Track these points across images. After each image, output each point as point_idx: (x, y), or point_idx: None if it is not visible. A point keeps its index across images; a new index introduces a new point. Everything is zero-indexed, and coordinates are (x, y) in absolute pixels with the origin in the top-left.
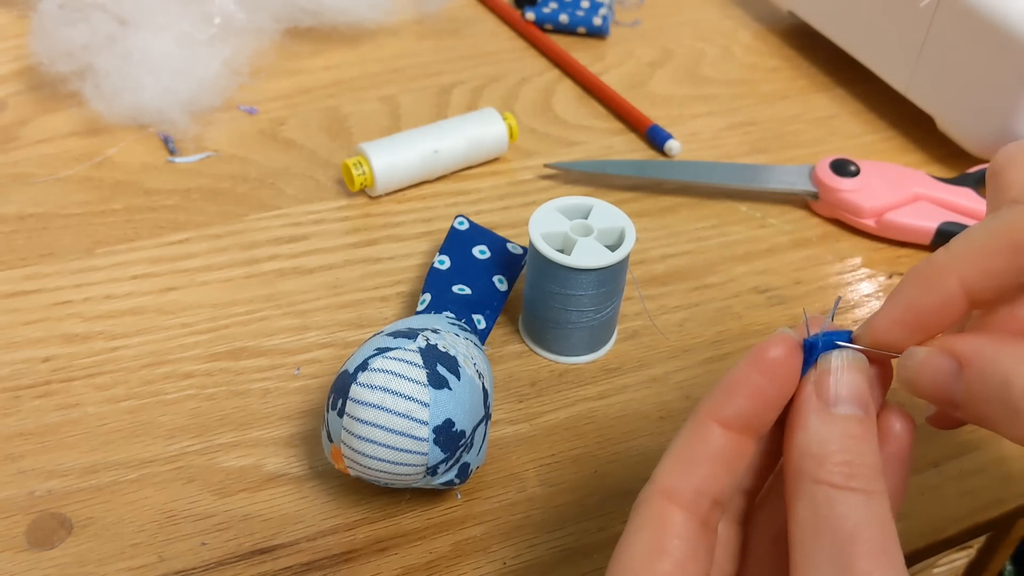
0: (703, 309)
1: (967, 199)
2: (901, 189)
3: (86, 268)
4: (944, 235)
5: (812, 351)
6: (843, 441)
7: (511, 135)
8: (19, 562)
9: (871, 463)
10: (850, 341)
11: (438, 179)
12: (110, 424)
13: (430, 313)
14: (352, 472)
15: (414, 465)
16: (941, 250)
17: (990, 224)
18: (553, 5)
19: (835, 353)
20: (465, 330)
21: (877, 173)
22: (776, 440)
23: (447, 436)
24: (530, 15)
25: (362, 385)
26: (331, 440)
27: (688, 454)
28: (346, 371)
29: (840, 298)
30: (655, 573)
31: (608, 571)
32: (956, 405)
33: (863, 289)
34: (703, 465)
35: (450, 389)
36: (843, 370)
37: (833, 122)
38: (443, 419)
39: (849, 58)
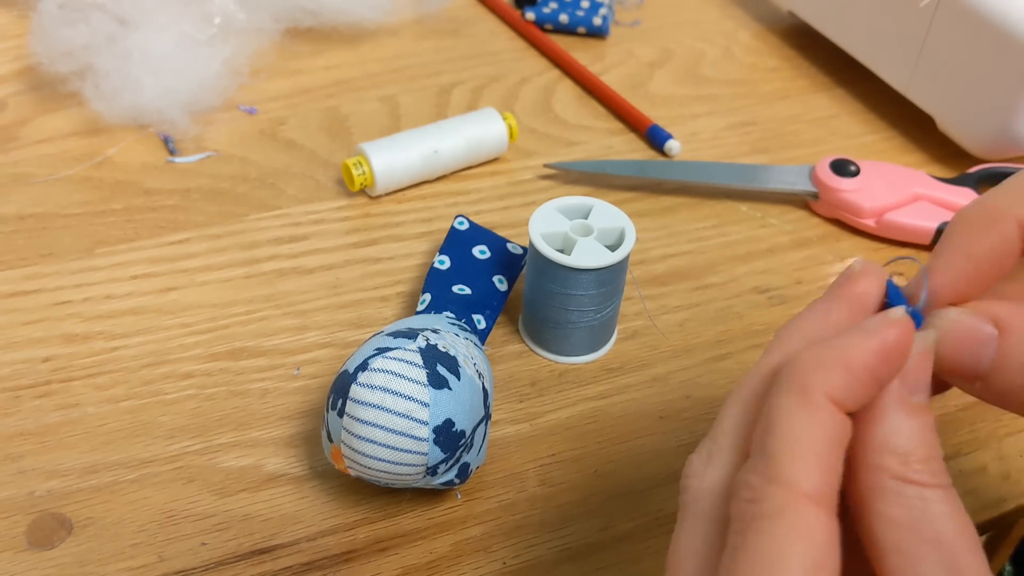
0: (704, 309)
1: (967, 199)
2: (901, 189)
3: (86, 268)
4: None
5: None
6: (923, 435)
7: (511, 135)
8: (19, 562)
9: (939, 456)
10: (924, 310)
11: (438, 179)
12: (110, 424)
13: (430, 313)
14: (352, 472)
15: (414, 465)
16: (992, 192)
17: None
18: (553, 5)
19: (922, 334)
20: (465, 330)
21: (877, 173)
22: None
23: (447, 436)
24: (530, 15)
25: (362, 385)
26: (331, 440)
27: (817, 445)
28: (346, 371)
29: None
30: None
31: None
32: (979, 375)
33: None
34: (834, 456)
35: (450, 389)
36: (928, 354)
37: (833, 122)
38: (443, 419)
39: (849, 58)
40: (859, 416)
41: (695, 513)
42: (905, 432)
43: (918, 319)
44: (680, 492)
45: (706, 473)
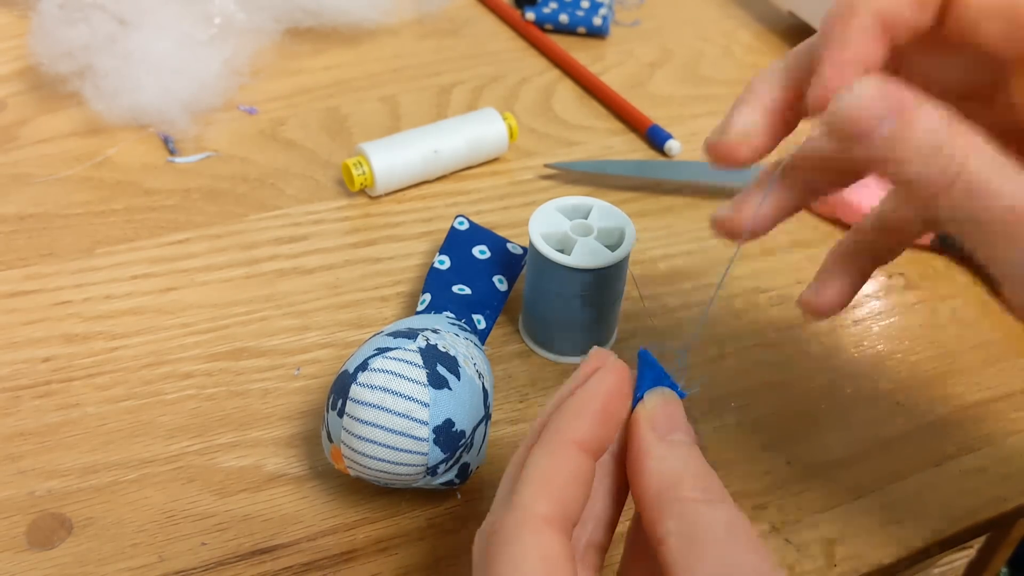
0: (703, 309)
1: None
2: None
3: (86, 268)
4: (943, 236)
5: (640, 384)
6: (689, 464)
7: (511, 135)
8: (19, 562)
9: (714, 478)
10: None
11: (438, 179)
12: (110, 424)
13: (430, 313)
14: (352, 472)
15: (414, 465)
16: None
17: None
18: (553, 5)
19: (656, 391)
20: (465, 330)
21: None
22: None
23: (447, 436)
24: (530, 15)
25: (362, 385)
26: (331, 440)
27: (554, 477)
28: (346, 371)
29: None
30: None
31: None
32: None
33: (863, 289)
34: (568, 487)
35: (450, 389)
36: (668, 405)
37: None
38: (443, 419)
39: None
40: (631, 460)
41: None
42: (671, 463)
43: (668, 383)
44: None
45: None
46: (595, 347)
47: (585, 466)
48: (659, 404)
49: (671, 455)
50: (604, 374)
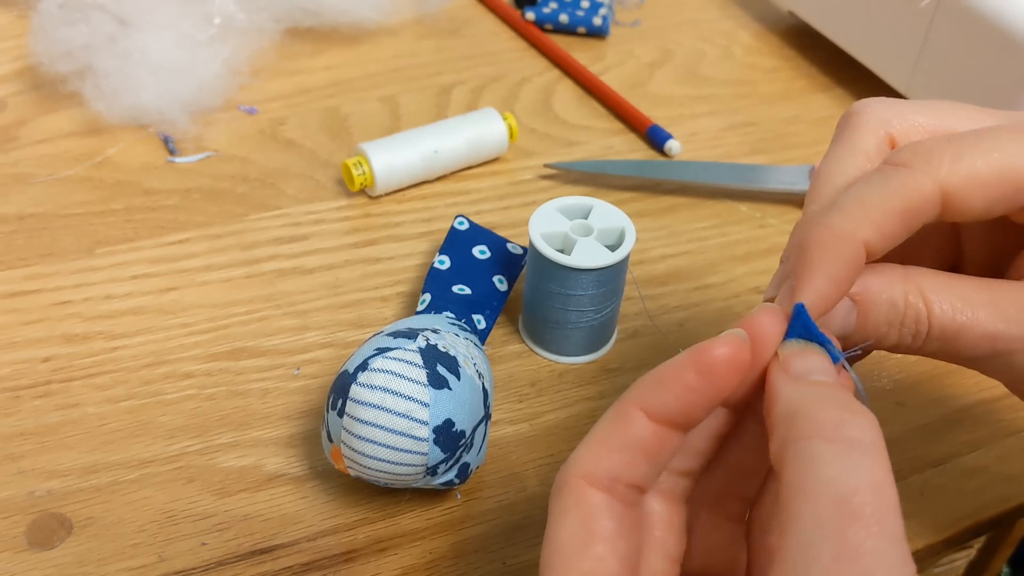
0: (703, 309)
1: None
2: None
3: (86, 268)
4: None
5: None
6: (824, 401)
7: (511, 135)
8: (19, 562)
9: (862, 419)
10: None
11: (438, 179)
12: (110, 424)
13: (430, 313)
14: (352, 472)
15: (414, 465)
16: (837, 215)
17: (880, 188)
18: (553, 5)
19: (795, 340)
20: (465, 330)
21: None
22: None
23: (447, 436)
24: (530, 15)
25: (362, 385)
26: (331, 440)
27: (607, 440)
28: (346, 371)
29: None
30: (589, 556)
31: (542, 561)
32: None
33: None
34: (621, 452)
35: (450, 389)
36: (808, 351)
37: (833, 122)
38: (443, 419)
39: (849, 58)
40: (765, 408)
41: None
42: (801, 396)
43: (798, 333)
44: None
45: None
46: (762, 304)
47: (646, 433)
48: (796, 350)
49: (802, 389)
50: (716, 343)
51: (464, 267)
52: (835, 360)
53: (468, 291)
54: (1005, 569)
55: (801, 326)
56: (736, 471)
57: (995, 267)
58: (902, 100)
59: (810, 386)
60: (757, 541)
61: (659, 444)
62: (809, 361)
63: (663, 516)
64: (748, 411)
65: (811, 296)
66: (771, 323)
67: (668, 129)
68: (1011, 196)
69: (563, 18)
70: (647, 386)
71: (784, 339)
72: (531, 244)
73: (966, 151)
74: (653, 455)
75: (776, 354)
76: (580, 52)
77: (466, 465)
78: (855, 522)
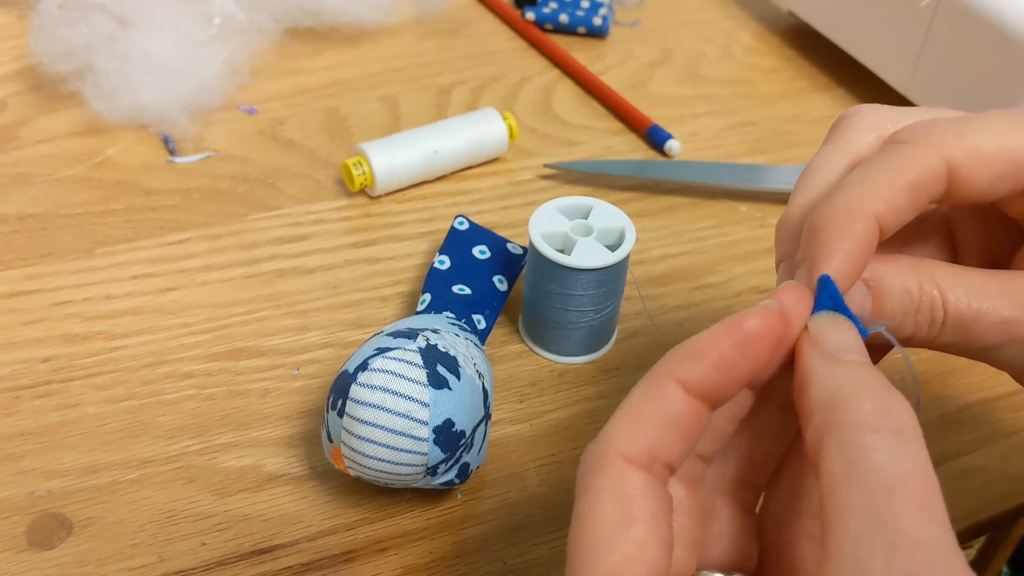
0: (703, 309)
1: None
2: None
3: (86, 268)
4: None
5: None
6: (863, 384)
7: (511, 135)
8: (19, 562)
9: (901, 404)
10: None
11: (438, 179)
12: (110, 424)
13: (430, 313)
14: (352, 472)
15: (414, 465)
16: (844, 194)
17: (886, 164)
18: (553, 5)
19: (825, 313)
20: (465, 330)
21: None
22: (737, 403)
23: (447, 436)
24: (530, 15)
25: (362, 385)
26: (331, 440)
27: (644, 414)
28: (346, 371)
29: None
30: (629, 541)
31: (572, 545)
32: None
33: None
34: (658, 428)
35: (450, 389)
36: (839, 326)
37: (833, 122)
38: (443, 419)
39: (849, 58)
40: (797, 388)
41: None
42: (841, 381)
43: (824, 305)
44: None
45: None
46: (787, 282)
47: (682, 407)
48: (827, 324)
49: (839, 372)
50: (750, 314)
51: (464, 267)
52: (863, 335)
53: (468, 291)
54: (1005, 569)
55: (828, 297)
56: (751, 458)
57: (991, 267)
58: (896, 107)
59: (847, 368)
60: (772, 536)
61: (694, 420)
62: (842, 335)
63: (683, 501)
64: (765, 393)
65: (831, 274)
66: (800, 296)
67: (668, 129)
68: (1012, 175)
69: (563, 18)
70: (682, 357)
71: (812, 313)
72: (531, 244)
73: (967, 129)
74: (687, 432)
75: (806, 328)
76: (580, 52)
77: (466, 465)
78: (908, 510)
